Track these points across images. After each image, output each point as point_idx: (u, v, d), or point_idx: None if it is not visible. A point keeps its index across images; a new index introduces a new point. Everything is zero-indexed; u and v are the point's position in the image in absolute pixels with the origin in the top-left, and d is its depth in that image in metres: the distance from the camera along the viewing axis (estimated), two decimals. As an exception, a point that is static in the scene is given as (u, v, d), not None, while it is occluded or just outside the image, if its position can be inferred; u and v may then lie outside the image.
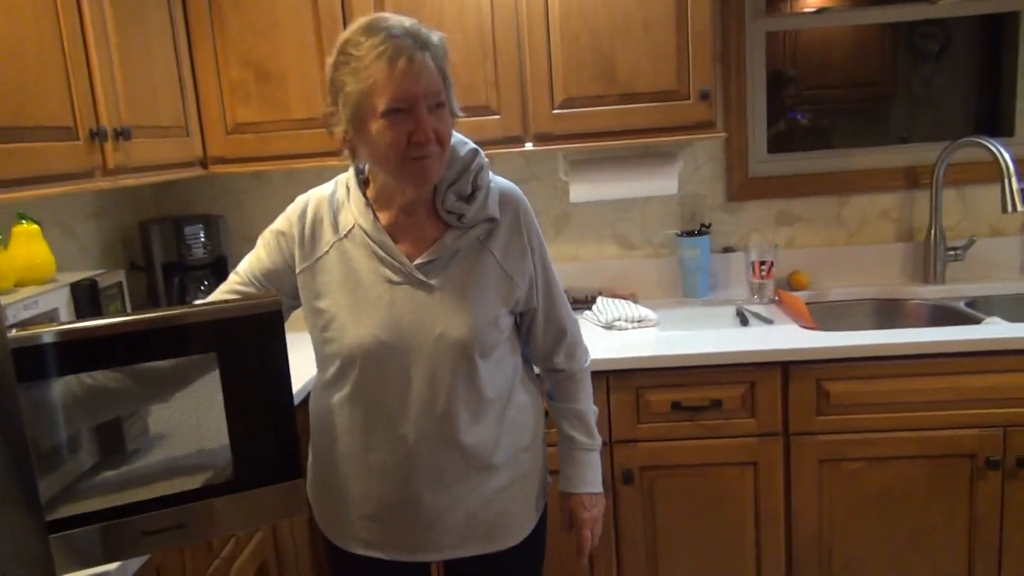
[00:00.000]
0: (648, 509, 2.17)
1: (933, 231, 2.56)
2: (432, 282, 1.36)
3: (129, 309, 1.94)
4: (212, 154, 2.34)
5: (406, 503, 1.40)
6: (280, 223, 1.46)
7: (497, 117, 2.28)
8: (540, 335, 1.51)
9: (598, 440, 1.58)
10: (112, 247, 2.41)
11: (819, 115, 3.09)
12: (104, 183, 1.79)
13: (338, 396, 1.41)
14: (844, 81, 3.28)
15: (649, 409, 2.10)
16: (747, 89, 2.61)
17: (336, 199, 1.42)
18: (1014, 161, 2.30)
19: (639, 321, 2.36)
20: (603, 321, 2.38)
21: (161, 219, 2.46)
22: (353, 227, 1.38)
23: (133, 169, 1.90)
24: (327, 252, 1.39)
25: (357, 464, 1.42)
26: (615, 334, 2.31)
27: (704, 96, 2.24)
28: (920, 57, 3.16)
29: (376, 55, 1.24)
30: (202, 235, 2.41)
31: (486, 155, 1.45)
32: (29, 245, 1.74)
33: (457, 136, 1.40)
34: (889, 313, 2.58)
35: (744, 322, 2.35)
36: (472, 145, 1.43)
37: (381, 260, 1.36)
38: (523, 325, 1.51)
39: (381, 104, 1.25)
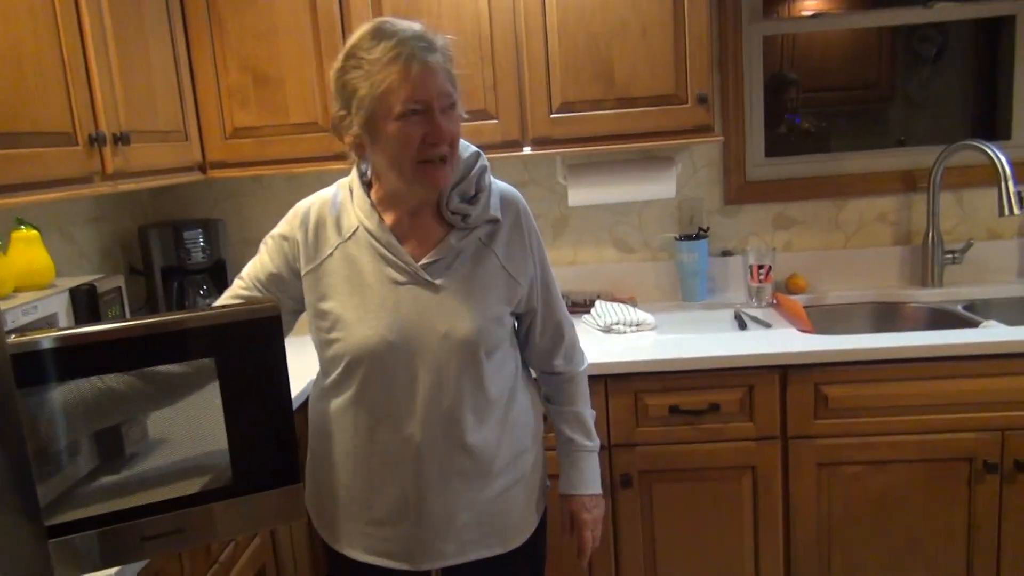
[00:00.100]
0: (647, 513, 2.17)
1: (931, 234, 2.57)
2: (437, 282, 1.37)
3: (128, 314, 1.94)
4: (211, 159, 2.35)
5: (411, 506, 1.41)
6: (282, 227, 1.46)
7: (495, 121, 2.28)
8: (539, 337, 1.52)
9: (597, 442, 1.60)
10: (111, 252, 2.42)
11: (817, 118, 3.10)
12: (103, 188, 1.79)
13: (341, 399, 1.41)
14: (842, 84, 3.29)
15: (648, 413, 2.10)
16: (744, 93, 2.62)
17: (338, 202, 1.43)
18: (1011, 164, 2.31)
19: (637, 325, 2.36)
20: (601, 325, 2.39)
21: (160, 223, 2.46)
22: (357, 229, 1.39)
23: (132, 174, 1.91)
24: (331, 255, 1.40)
25: (361, 467, 1.42)
26: (614, 338, 2.31)
27: (702, 100, 2.24)
28: (917, 60, 3.17)
29: (390, 58, 1.26)
30: (201, 239, 2.41)
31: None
32: (28, 250, 1.74)
33: None
34: (887, 316, 2.59)
35: (742, 326, 2.36)
36: (474, 148, 1.45)
37: (386, 261, 1.37)
38: (522, 327, 1.53)
39: (397, 106, 1.27)
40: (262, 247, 1.48)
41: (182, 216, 2.72)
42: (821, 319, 2.52)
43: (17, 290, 1.68)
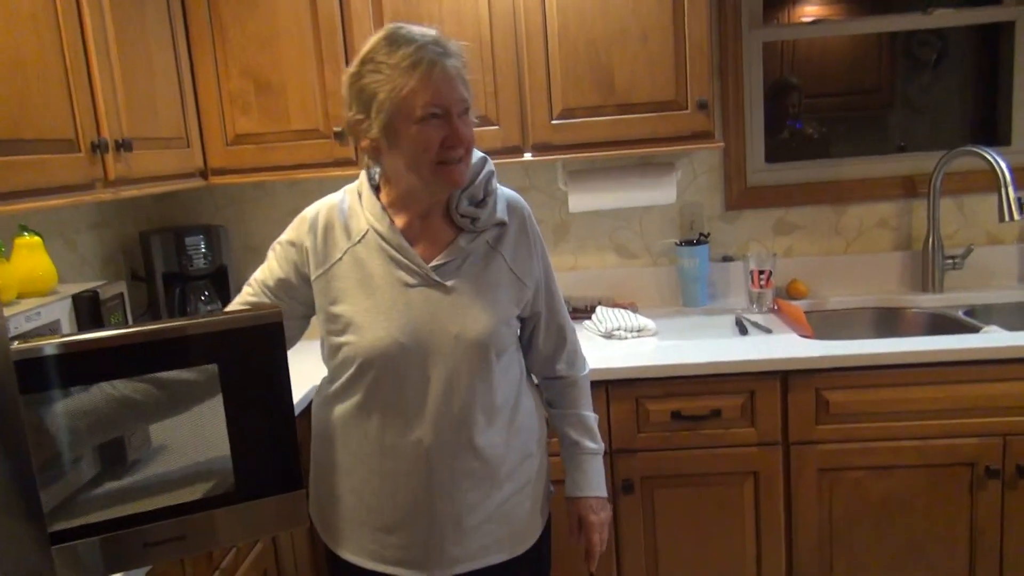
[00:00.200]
0: (648, 519, 2.17)
1: (931, 240, 2.57)
2: (448, 283, 1.39)
3: (130, 320, 1.94)
4: (212, 165, 2.35)
5: (422, 511, 1.41)
6: (290, 233, 1.47)
7: (496, 128, 2.29)
8: (542, 341, 1.54)
9: (601, 444, 1.61)
10: (113, 258, 2.42)
11: (817, 124, 3.11)
12: (105, 194, 1.80)
13: (349, 403, 1.42)
14: (842, 90, 3.30)
15: (649, 419, 2.10)
16: (745, 99, 2.63)
17: (346, 207, 1.44)
18: (1011, 170, 2.31)
19: (638, 330, 2.36)
20: (603, 330, 2.39)
21: (162, 230, 2.47)
22: (366, 233, 1.41)
23: (134, 180, 1.91)
24: (340, 259, 1.41)
25: (371, 472, 1.42)
26: (615, 343, 2.31)
27: (702, 106, 2.25)
28: (917, 66, 3.18)
29: (411, 64, 1.28)
30: (203, 245, 2.42)
31: None
32: (31, 257, 1.74)
33: None
34: (888, 322, 2.59)
35: (743, 331, 2.36)
36: (481, 153, 1.47)
37: (396, 263, 1.38)
38: (525, 332, 1.54)
39: (418, 110, 1.29)
40: (270, 253, 1.49)
41: (184, 222, 2.72)
42: (822, 324, 2.52)
43: (20, 296, 1.68)
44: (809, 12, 3.32)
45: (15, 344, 1.14)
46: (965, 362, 2.03)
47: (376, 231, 1.40)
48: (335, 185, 1.52)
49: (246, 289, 1.51)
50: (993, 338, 2.10)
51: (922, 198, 2.63)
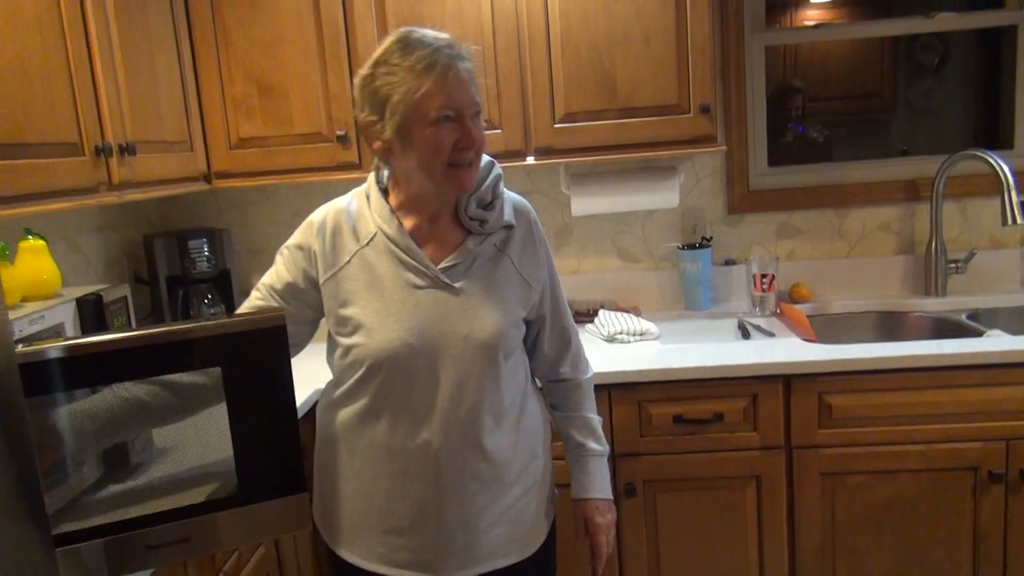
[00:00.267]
0: (651, 523, 2.17)
1: (934, 243, 2.57)
2: (457, 285, 1.39)
3: (134, 323, 1.95)
4: (216, 169, 2.36)
5: (431, 513, 1.41)
6: (297, 237, 1.48)
7: (499, 132, 2.29)
8: (547, 344, 1.55)
9: (606, 446, 1.62)
10: (116, 261, 2.43)
11: (820, 127, 3.11)
12: (109, 198, 1.80)
13: (357, 406, 1.42)
14: (844, 94, 3.30)
15: (651, 422, 2.10)
16: (747, 102, 2.63)
17: (353, 210, 1.45)
18: (1013, 174, 2.31)
19: (641, 334, 2.36)
20: (605, 334, 2.39)
21: (165, 233, 2.47)
22: (375, 235, 1.41)
23: (138, 184, 1.92)
24: (349, 261, 1.41)
25: (379, 475, 1.42)
26: (617, 347, 2.31)
27: (704, 110, 2.25)
28: (920, 70, 3.18)
29: (426, 66, 1.29)
30: (206, 249, 2.42)
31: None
32: (35, 260, 1.75)
33: None
34: (890, 326, 2.59)
35: (746, 335, 2.36)
36: (488, 157, 1.48)
37: (405, 265, 1.39)
38: (530, 335, 1.55)
39: (433, 112, 1.30)
40: (278, 257, 1.50)
41: (187, 225, 2.73)
42: (824, 328, 2.52)
43: (24, 300, 1.69)
44: (811, 16, 3.32)
45: (19, 347, 1.14)
46: (968, 366, 2.02)
47: (384, 233, 1.41)
48: (338, 189, 1.53)
49: (254, 294, 1.51)
50: (996, 342, 2.09)
51: (925, 202, 2.62)
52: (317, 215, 1.47)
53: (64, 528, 1.17)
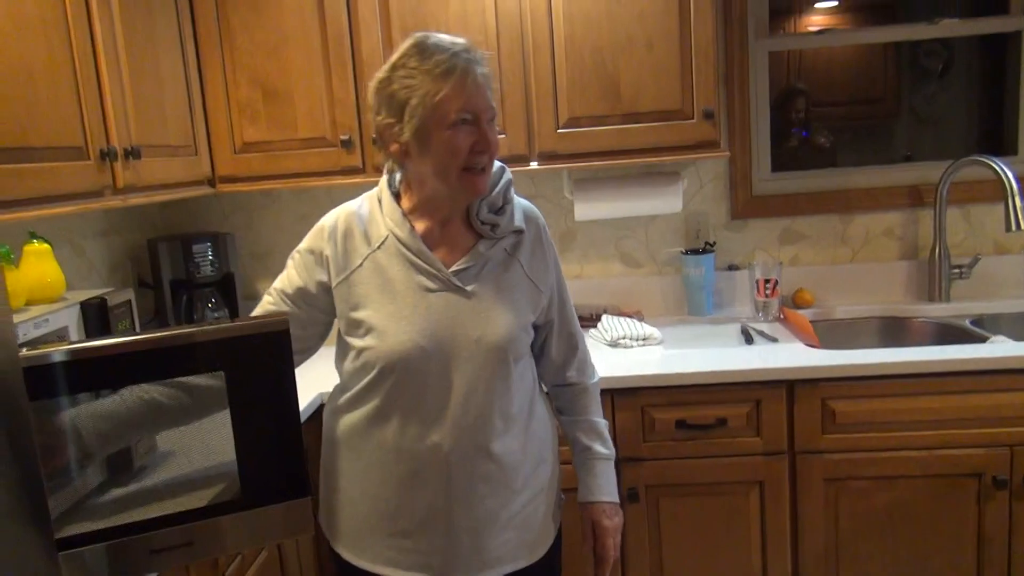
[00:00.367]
0: (654, 528, 2.16)
1: (937, 249, 2.57)
2: (468, 288, 1.40)
3: (138, 327, 1.95)
4: (220, 173, 2.36)
5: (440, 516, 1.41)
6: (309, 242, 1.48)
7: (502, 136, 2.29)
8: (555, 348, 1.56)
9: (613, 450, 1.62)
10: (120, 265, 2.43)
11: (823, 133, 3.11)
12: (114, 202, 1.81)
13: (365, 408, 1.43)
14: (848, 99, 3.30)
15: (654, 427, 2.10)
16: (751, 108, 2.63)
17: (364, 214, 1.46)
18: (1017, 180, 2.31)
19: (644, 339, 2.36)
20: (608, 339, 2.39)
21: (169, 237, 2.48)
22: (386, 238, 1.42)
23: (142, 188, 1.92)
24: (361, 265, 1.42)
25: (388, 478, 1.42)
26: (620, 352, 2.31)
27: (708, 115, 2.25)
28: (924, 75, 3.18)
29: (445, 70, 1.31)
30: (210, 253, 2.43)
31: None
32: (40, 264, 1.75)
33: None
34: (894, 331, 2.58)
35: (749, 340, 2.36)
36: (499, 163, 1.49)
37: (417, 268, 1.40)
38: (537, 340, 1.55)
39: (451, 115, 1.32)
40: (289, 262, 1.51)
41: (191, 229, 2.73)
42: (828, 334, 2.52)
43: (29, 303, 1.69)
44: (815, 22, 3.33)
45: (24, 351, 1.15)
46: (972, 372, 2.02)
47: (396, 237, 1.41)
48: (342, 193, 1.53)
49: (266, 299, 1.52)
50: (1000, 348, 2.09)
51: (928, 207, 2.62)
52: (328, 219, 1.47)
53: (67, 532, 1.17)
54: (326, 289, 1.45)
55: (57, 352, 1.16)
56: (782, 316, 2.57)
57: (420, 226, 1.43)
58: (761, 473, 2.11)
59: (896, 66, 3.27)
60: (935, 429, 2.05)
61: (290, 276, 1.49)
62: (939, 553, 2.11)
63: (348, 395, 1.46)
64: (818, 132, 3.08)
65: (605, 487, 1.58)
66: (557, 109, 2.29)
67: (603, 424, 1.62)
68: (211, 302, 2.45)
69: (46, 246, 1.78)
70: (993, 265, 2.62)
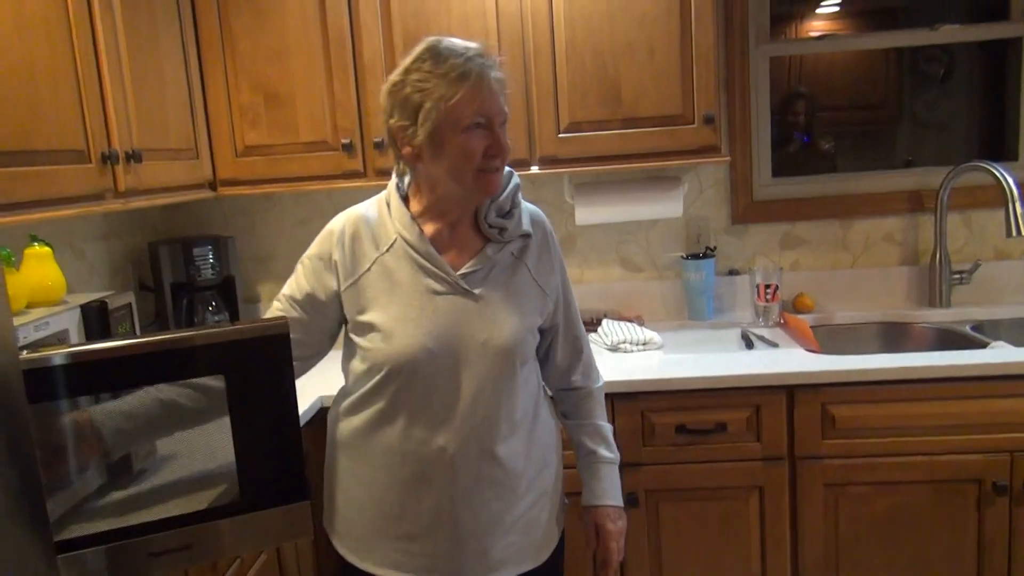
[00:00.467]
0: (653, 533, 2.16)
1: (938, 255, 2.57)
2: (476, 291, 1.41)
3: (138, 330, 1.95)
4: (221, 176, 2.37)
5: (446, 518, 1.42)
6: (317, 246, 1.49)
7: (503, 141, 2.30)
8: (560, 352, 1.57)
9: (617, 454, 1.62)
10: (121, 268, 2.43)
11: (824, 138, 3.11)
12: (115, 205, 1.81)
13: (371, 411, 1.43)
14: (849, 104, 3.30)
15: (654, 432, 2.10)
16: (751, 113, 2.63)
17: (372, 217, 1.46)
18: (1018, 185, 2.31)
19: (644, 344, 2.36)
20: (608, 344, 2.39)
21: (170, 240, 2.48)
22: (395, 242, 1.43)
23: (143, 191, 1.92)
24: (369, 268, 1.43)
25: (394, 481, 1.43)
26: (620, 357, 2.31)
27: (708, 120, 2.26)
28: (925, 81, 3.19)
29: (460, 75, 1.32)
30: (211, 256, 2.43)
31: None
32: (41, 267, 1.76)
33: None
34: (894, 337, 2.58)
35: (749, 345, 2.35)
36: (507, 167, 1.49)
37: (425, 271, 1.40)
38: (543, 344, 1.56)
39: (466, 119, 1.33)
40: (298, 267, 1.51)
41: (192, 233, 2.74)
42: (828, 339, 2.52)
43: (29, 306, 1.69)
44: (816, 27, 3.33)
45: (24, 353, 1.15)
46: (972, 378, 2.02)
47: (404, 239, 1.42)
48: (343, 197, 1.53)
49: (275, 304, 1.52)
50: (1000, 354, 2.09)
51: (929, 213, 2.62)
52: (336, 223, 1.48)
53: (66, 535, 1.17)
54: (335, 294, 1.45)
55: (57, 355, 1.16)
56: (782, 321, 2.56)
57: (429, 229, 1.44)
58: (761, 478, 2.11)
59: (897, 71, 3.28)
60: (935, 435, 2.05)
61: (299, 282, 1.49)
62: (939, 559, 2.10)
63: (353, 398, 1.46)
64: (820, 137, 3.08)
65: (610, 491, 1.59)
66: (558, 113, 2.29)
67: (608, 428, 1.62)
68: (212, 305, 2.45)
69: (47, 249, 1.78)
70: (993, 271, 2.62)
